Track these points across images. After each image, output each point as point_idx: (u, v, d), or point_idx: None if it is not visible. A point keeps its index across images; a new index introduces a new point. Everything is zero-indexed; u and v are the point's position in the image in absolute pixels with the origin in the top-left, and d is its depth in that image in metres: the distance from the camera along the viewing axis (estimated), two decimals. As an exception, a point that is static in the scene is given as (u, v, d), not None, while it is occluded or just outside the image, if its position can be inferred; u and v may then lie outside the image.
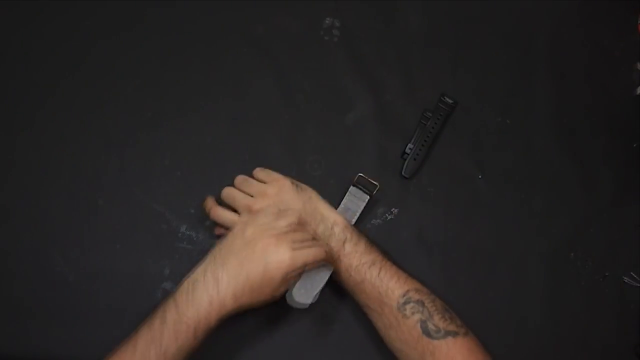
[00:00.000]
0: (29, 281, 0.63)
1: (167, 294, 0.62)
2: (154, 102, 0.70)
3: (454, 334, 0.55)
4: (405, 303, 0.57)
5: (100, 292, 0.63)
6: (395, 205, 0.70)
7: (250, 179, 0.65)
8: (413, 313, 0.56)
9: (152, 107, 0.70)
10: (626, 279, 0.70)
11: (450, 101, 0.74)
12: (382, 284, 0.58)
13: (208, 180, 0.68)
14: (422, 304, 0.57)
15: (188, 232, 0.66)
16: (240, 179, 0.64)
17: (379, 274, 0.58)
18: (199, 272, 0.55)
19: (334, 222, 0.61)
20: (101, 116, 0.69)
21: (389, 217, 0.69)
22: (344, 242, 0.60)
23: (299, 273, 0.56)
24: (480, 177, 0.72)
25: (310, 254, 0.55)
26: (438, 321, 0.56)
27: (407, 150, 0.71)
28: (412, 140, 0.71)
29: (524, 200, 0.72)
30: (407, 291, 0.57)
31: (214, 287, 0.53)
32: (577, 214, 0.72)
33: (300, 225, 0.59)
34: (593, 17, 0.80)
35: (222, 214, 0.62)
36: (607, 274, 0.70)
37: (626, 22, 0.81)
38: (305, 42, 0.75)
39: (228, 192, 0.63)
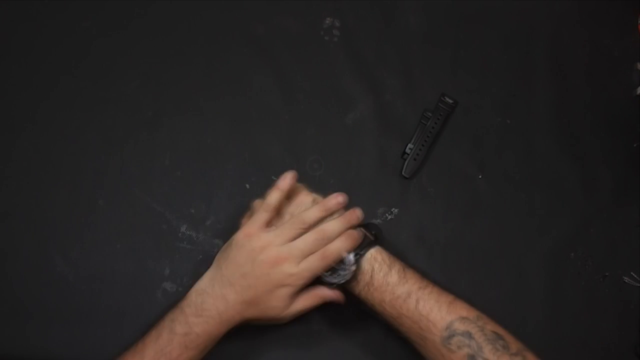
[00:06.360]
0: (29, 281, 0.63)
1: (167, 294, 0.62)
2: (154, 102, 0.70)
3: None
4: (450, 337, 0.51)
5: (101, 292, 0.63)
6: (395, 205, 0.70)
7: None
8: (459, 347, 0.50)
9: (152, 107, 0.70)
10: (626, 279, 0.70)
11: (450, 101, 0.74)
12: (421, 318, 0.52)
13: (208, 180, 0.68)
14: (469, 335, 0.51)
15: (188, 232, 0.66)
16: None
17: (416, 306, 0.52)
18: (206, 284, 0.54)
19: None
20: (101, 116, 0.69)
21: (389, 217, 0.69)
22: (371, 275, 0.54)
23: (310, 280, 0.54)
24: (480, 177, 0.72)
25: (314, 265, 0.53)
26: (488, 353, 0.50)
27: (407, 150, 0.71)
28: (412, 140, 0.71)
29: (524, 200, 0.72)
30: (451, 322, 0.51)
31: (222, 302, 0.53)
32: (577, 214, 0.72)
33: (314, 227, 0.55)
34: (593, 17, 0.80)
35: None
36: (607, 274, 0.70)
37: (626, 22, 0.80)
38: (305, 42, 0.75)
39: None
